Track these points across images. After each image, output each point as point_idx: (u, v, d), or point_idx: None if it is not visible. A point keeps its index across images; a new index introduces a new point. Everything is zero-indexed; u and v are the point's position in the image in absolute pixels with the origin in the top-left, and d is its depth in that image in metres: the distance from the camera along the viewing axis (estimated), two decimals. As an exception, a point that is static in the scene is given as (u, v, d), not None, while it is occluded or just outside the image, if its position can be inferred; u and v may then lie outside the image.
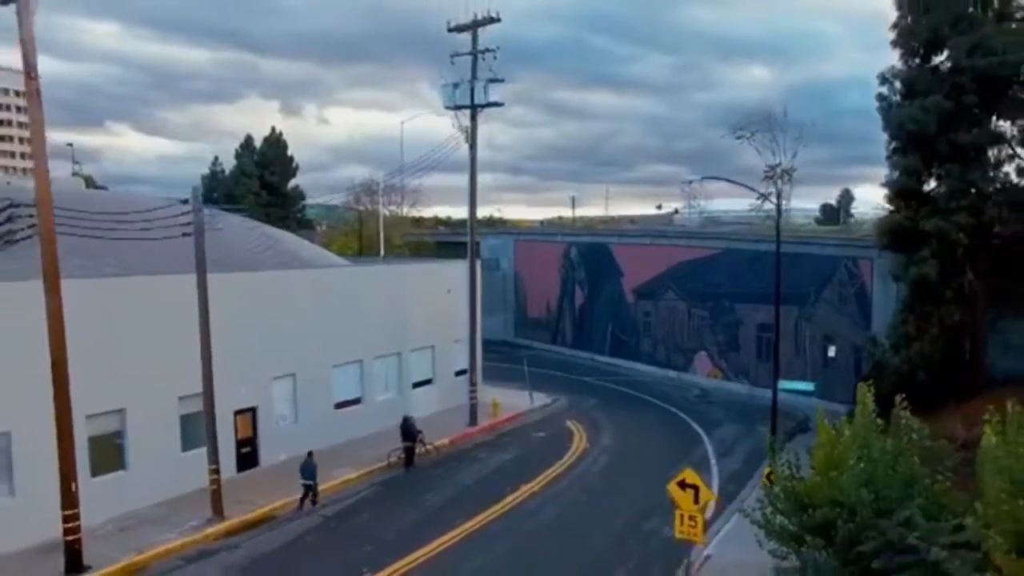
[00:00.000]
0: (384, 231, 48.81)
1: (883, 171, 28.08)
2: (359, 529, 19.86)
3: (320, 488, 21.44)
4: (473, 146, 29.93)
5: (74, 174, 58.17)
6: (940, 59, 26.49)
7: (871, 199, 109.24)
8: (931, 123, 25.19)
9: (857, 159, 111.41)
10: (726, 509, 21.10)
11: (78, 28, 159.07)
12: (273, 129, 67.22)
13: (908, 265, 26.28)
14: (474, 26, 28.58)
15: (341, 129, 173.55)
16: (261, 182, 64.10)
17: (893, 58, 27.22)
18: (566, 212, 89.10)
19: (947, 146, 25.40)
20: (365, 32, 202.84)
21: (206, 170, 67.41)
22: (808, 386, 28.87)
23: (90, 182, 63.43)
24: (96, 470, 19.28)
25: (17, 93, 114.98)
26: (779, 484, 13.15)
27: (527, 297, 56.31)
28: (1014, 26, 25.88)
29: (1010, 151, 26.57)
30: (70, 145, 77.18)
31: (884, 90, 27.33)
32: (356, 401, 28.49)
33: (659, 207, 77.55)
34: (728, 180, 32.29)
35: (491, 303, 46.14)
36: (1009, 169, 26.96)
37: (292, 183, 68.01)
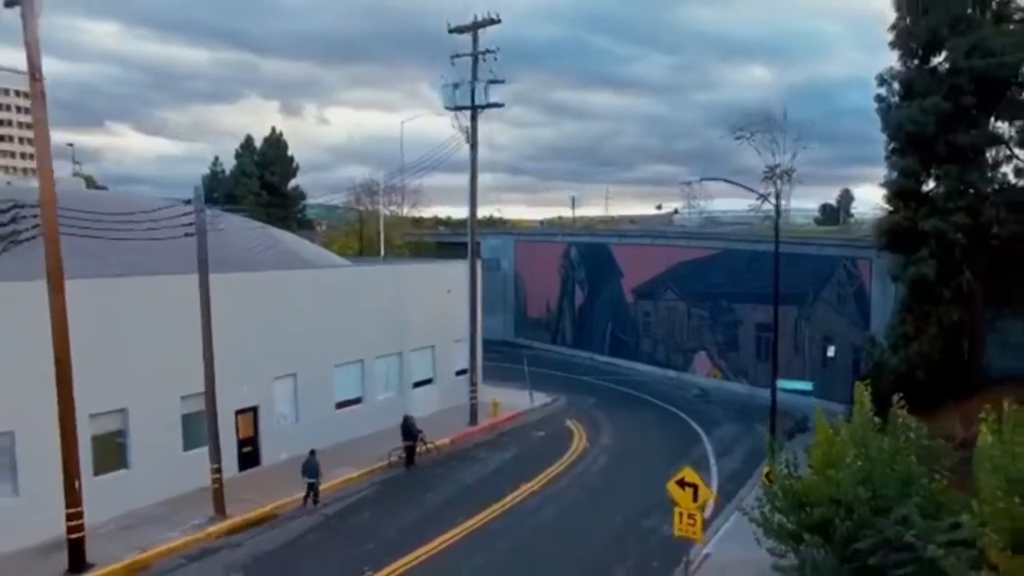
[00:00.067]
0: (384, 231, 48.78)
1: (882, 171, 28.28)
2: (360, 527, 19.94)
3: (321, 487, 21.52)
4: (474, 146, 29.98)
5: (75, 174, 58.26)
6: (939, 60, 26.58)
7: (871, 199, 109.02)
8: (929, 124, 25.29)
9: (857, 159, 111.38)
10: (725, 508, 21.23)
11: (78, 28, 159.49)
12: (273, 129, 67.45)
13: (907, 265, 26.37)
14: (474, 27, 28.64)
15: (341, 129, 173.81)
16: (261, 182, 64.14)
17: (892, 59, 27.40)
18: (566, 212, 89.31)
19: (945, 147, 25.51)
20: (365, 32, 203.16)
21: (206, 170, 67.72)
22: (807, 386, 29.05)
23: (90, 182, 63.50)
24: (99, 469, 19.36)
25: (18, 93, 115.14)
26: (777, 483, 13.27)
27: (527, 297, 56.37)
28: (1012, 27, 25.99)
29: (1008, 152, 26.70)
30: (70, 145, 77.47)
31: (883, 91, 27.45)
32: (357, 401, 28.56)
33: (659, 207, 77.91)
34: (728, 180, 32.34)
35: (491, 303, 46.17)
36: (1007, 170, 27.16)
37: (292, 183, 68.08)
